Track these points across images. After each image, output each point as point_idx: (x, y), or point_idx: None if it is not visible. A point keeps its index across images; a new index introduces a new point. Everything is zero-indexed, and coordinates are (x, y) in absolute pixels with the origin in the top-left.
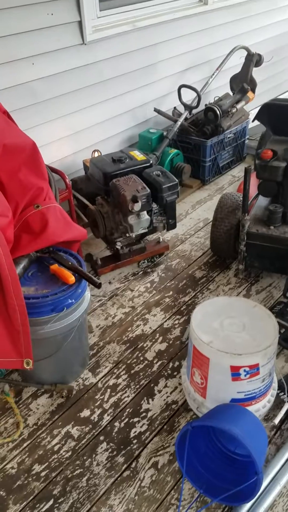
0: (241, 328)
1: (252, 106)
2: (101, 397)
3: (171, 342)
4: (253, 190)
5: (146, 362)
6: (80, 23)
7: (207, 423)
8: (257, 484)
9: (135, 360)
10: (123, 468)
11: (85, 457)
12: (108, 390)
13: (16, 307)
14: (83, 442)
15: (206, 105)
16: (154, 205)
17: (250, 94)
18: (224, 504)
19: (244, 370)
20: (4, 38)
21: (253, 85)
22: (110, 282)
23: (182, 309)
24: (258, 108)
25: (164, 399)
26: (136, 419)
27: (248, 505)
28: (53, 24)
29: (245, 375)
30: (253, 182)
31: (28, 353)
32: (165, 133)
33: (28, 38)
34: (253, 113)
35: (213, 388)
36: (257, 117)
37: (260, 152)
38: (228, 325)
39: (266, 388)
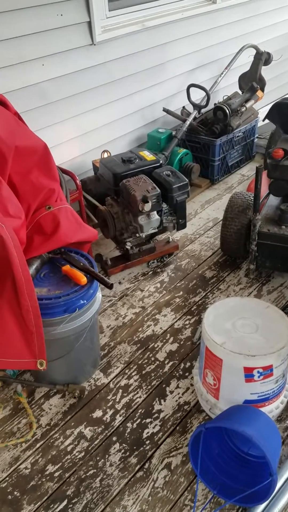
0: (254, 329)
1: (261, 104)
2: (113, 398)
3: (182, 342)
4: (263, 189)
5: (158, 362)
6: (89, 24)
7: (221, 424)
8: (271, 485)
9: (146, 360)
10: (136, 468)
11: (98, 458)
12: (120, 390)
13: (29, 308)
14: (96, 442)
15: (215, 104)
16: (164, 205)
17: (259, 92)
18: (238, 505)
19: (258, 372)
20: (14, 40)
21: (262, 84)
22: (120, 282)
23: (192, 309)
24: (267, 106)
25: (176, 400)
26: (148, 420)
27: (262, 506)
28: (63, 25)
29: (259, 377)
30: (264, 181)
31: (41, 354)
32: (174, 133)
33: (38, 39)
34: (262, 112)
35: (226, 389)
36: (267, 116)
37: (271, 151)
38: (240, 326)
39: (280, 389)
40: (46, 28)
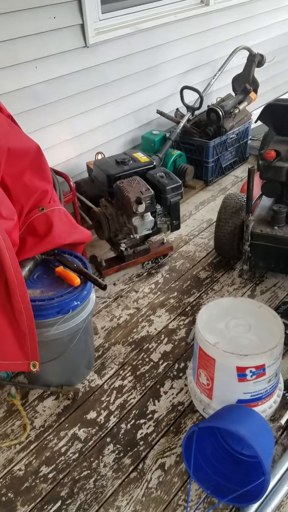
0: (247, 329)
1: (255, 106)
2: (107, 399)
3: (176, 343)
4: (256, 190)
5: (152, 363)
6: (82, 26)
7: (214, 424)
8: (264, 484)
9: (140, 361)
10: (130, 469)
11: (92, 459)
12: (114, 391)
13: (22, 309)
14: (89, 444)
15: (208, 106)
16: (158, 207)
17: (252, 94)
18: (231, 504)
19: (250, 371)
20: (8, 42)
21: (255, 86)
22: (114, 284)
23: (187, 310)
24: (261, 108)
25: (170, 401)
26: (142, 421)
27: (256, 505)
28: (56, 27)
29: (251, 376)
30: (257, 183)
31: (34, 356)
32: (168, 135)
33: (31, 42)
34: (255, 114)
35: (219, 389)
36: (260, 118)
37: (263, 153)
38: (233, 326)
39: (272, 388)
40: (39, 31)
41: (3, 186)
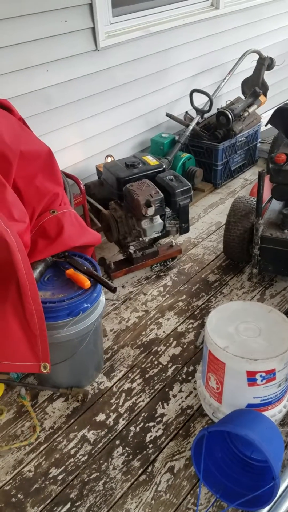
0: (257, 333)
1: (264, 109)
2: (116, 401)
3: (185, 346)
4: (266, 193)
5: (161, 366)
6: (93, 30)
7: (224, 428)
8: (274, 489)
9: (149, 364)
10: (139, 472)
11: (101, 461)
12: (123, 394)
13: (33, 311)
14: (99, 446)
15: (218, 109)
16: (167, 210)
17: (262, 97)
18: (240, 509)
19: (261, 376)
20: (19, 46)
21: (265, 89)
22: (123, 286)
23: (195, 313)
24: (270, 111)
25: (179, 404)
26: (151, 424)
27: (265, 510)
28: (67, 31)
29: (262, 381)
30: (266, 186)
31: (45, 357)
32: (177, 138)
33: (42, 45)
34: (264, 117)
35: (229, 393)
36: (270, 121)
37: (273, 156)
38: (243, 330)
39: (282, 393)
40: (51, 34)
41: (15, 189)
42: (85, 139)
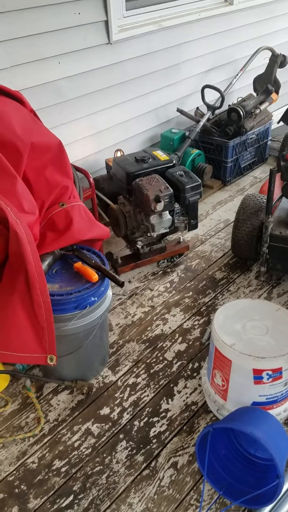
0: (264, 331)
1: (276, 107)
2: (121, 396)
3: (190, 343)
4: (276, 191)
5: (166, 362)
6: (106, 23)
7: (229, 425)
8: (278, 487)
9: (154, 359)
10: (143, 467)
11: (105, 455)
12: (128, 388)
13: (41, 303)
14: (103, 439)
15: (229, 105)
16: (176, 205)
17: (274, 95)
18: (243, 506)
19: (267, 374)
20: (32, 37)
21: (277, 86)
22: (130, 281)
23: (202, 310)
24: (282, 109)
25: (184, 400)
26: (155, 419)
27: (268, 508)
28: (80, 23)
29: (268, 379)
30: (277, 184)
31: (52, 349)
32: (187, 133)
33: (55, 37)
34: (276, 114)
35: (235, 390)
36: (282, 118)
37: (285, 154)
38: (250, 328)
39: None
40: (63, 26)
41: (25, 181)
42: (95, 132)
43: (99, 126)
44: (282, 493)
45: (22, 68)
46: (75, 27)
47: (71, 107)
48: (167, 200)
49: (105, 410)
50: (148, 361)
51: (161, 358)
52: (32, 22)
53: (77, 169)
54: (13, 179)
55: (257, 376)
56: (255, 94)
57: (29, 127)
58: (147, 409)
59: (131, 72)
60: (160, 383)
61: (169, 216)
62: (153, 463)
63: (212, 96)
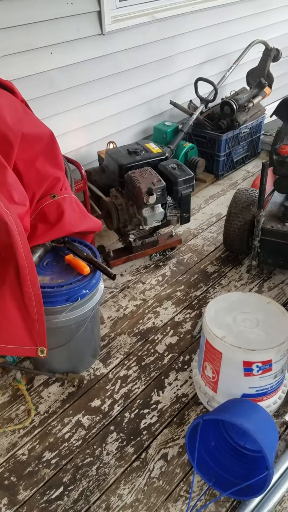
0: (254, 324)
1: (269, 101)
2: (112, 388)
3: (182, 335)
4: (268, 185)
5: (157, 354)
6: (99, 13)
7: (218, 416)
8: (267, 479)
9: (145, 352)
10: (133, 458)
11: (95, 446)
12: (119, 381)
13: (32, 295)
14: (93, 431)
15: (222, 99)
16: (169, 198)
17: (267, 89)
18: (233, 497)
19: (257, 366)
20: (24, 27)
21: (270, 80)
22: (122, 274)
23: (193, 303)
24: (275, 103)
25: (174, 392)
26: (146, 411)
27: (257, 499)
28: (73, 13)
29: (258, 371)
30: (269, 178)
31: (42, 342)
32: (180, 126)
33: (47, 27)
34: (269, 108)
35: (225, 382)
36: (275, 113)
37: (277, 148)
38: (241, 320)
39: (278, 384)
40: (56, 16)
41: (16, 171)
42: (87, 124)
43: (91, 118)
44: (271, 484)
45: (14, 58)
46: (67, 17)
47: (63, 98)
48: (159, 193)
49: (96, 402)
50: (139, 353)
51: (152, 350)
52: (25, 12)
53: (69, 160)
54: (4, 169)
55: (247, 368)
56: (248, 88)
57: (20, 118)
58: (137, 401)
59: (124, 64)
60: (151, 375)
61: (161, 209)
62: (143, 455)
63: (205, 89)
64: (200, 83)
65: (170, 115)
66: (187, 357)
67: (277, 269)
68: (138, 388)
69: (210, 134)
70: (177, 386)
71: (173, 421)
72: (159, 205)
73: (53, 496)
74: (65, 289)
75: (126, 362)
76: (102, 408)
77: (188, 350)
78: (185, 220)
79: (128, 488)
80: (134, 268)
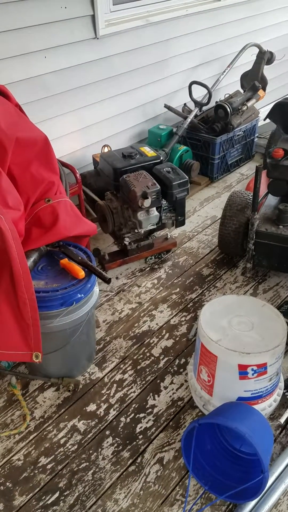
0: (249, 327)
1: (262, 104)
2: (107, 392)
3: (177, 339)
4: (262, 188)
5: (153, 358)
6: (93, 17)
7: (214, 420)
8: (262, 482)
9: (141, 356)
10: (129, 463)
11: (91, 451)
12: (114, 385)
13: (26, 300)
14: (89, 436)
15: (216, 102)
16: (164, 202)
17: (260, 92)
18: (229, 501)
19: (252, 369)
20: (18, 31)
21: (264, 83)
22: (117, 278)
23: (188, 306)
24: (268, 106)
25: (170, 396)
26: (142, 415)
27: (253, 503)
28: (66, 17)
29: (253, 374)
30: (263, 181)
31: (37, 347)
32: (174, 130)
33: (41, 31)
34: (263, 111)
35: (220, 386)
36: (269, 116)
37: (271, 151)
38: (236, 323)
39: (273, 387)
40: (50, 20)
41: (10, 176)
42: (82, 128)
43: (86, 121)
44: (266, 487)
45: (8, 62)
46: (61, 21)
47: (57, 102)
48: (154, 196)
49: (92, 407)
50: (135, 357)
51: (148, 354)
52: (18, 16)
53: (64, 164)
54: None
55: (242, 371)
56: (242, 91)
57: (14, 122)
58: (133, 405)
59: (118, 67)
60: (147, 379)
61: (156, 213)
62: (139, 459)
63: (199, 93)
64: (194, 86)
65: (165, 118)
66: (183, 360)
67: (272, 272)
68: (134, 392)
69: (204, 137)
70: (172, 389)
71: (169, 425)
72: (154, 208)
73: (49, 502)
74: (60, 294)
75: (121, 366)
76: (98, 412)
77: (183, 353)
78: (180, 223)
79: (124, 492)
80: (130, 271)
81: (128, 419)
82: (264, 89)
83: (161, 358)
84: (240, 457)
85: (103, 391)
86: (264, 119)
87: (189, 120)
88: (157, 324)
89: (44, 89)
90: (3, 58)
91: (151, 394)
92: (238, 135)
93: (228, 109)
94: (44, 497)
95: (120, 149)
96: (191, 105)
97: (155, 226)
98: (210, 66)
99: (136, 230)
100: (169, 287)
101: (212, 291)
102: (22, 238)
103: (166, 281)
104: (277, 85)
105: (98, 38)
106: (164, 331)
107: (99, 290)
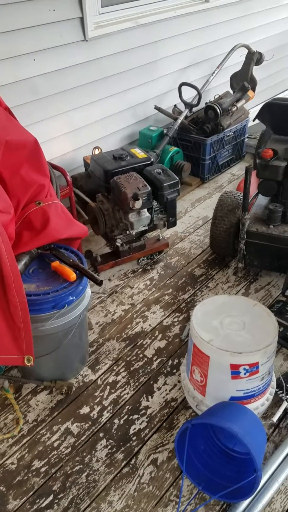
0: (241, 327)
1: (252, 104)
2: (101, 394)
3: (170, 339)
4: (252, 188)
5: (146, 359)
6: (82, 20)
7: (207, 421)
8: (256, 481)
9: (134, 357)
10: (123, 464)
11: (84, 454)
12: (108, 387)
13: (17, 304)
14: (82, 438)
15: (206, 103)
16: (155, 203)
17: (250, 92)
18: (222, 501)
19: (244, 369)
20: (6, 34)
21: (253, 84)
22: (109, 279)
23: (181, 306)
24: (258, 106)
25: (163, 397)
26: (135, 416)
27: (247, 502)
28: (55, 20)
29: (245, 374)
30: (253, 181)
31: (29, 350)
32: (165, 131)
33: (30, 34)
34: (253, 112)
35: (213, 386)
36: (258, 116)
37: (260, 152)
38: (228, 323)
39: (265, 386)
40: (38, 23)
41: (0, 179)
42: (72, 130)
43: (76, 124)
44: (260, 486)
45: None
46: (50, 24)
47: (47, 104)
48: (145, 198)
49: (85, 409)
50: (128, 359)
51: (141, 355)
52: (6, 18)
53: (54, 167)
54: None
55: (235, 371)
56: (232, 92)
57: (3, 125)
58: (127, 407)
59: (108, 69)
60: (140, 380)
61: (147, 214)
62: (133, 461)
63: (189, 94)
64: (184, 87)
65: (155, 119)
66: (176, 361)
67: (263, 271)
68: (127, 393)
69: (195, 138)
70: (166, 390)
71: (162, 426)
72: (145, 210)
73: (43, 505)
74: (52, 296)
75: (114, 368)
76: (91, 415)
77: (176, 354)
78: (171, 224)
79: (118, 494)
80: (122, 273)
81: (121, 421)
82: (253, 90)
83: (154, 359)
84: (233, 456)
85: (96, 393)
86: (254, 120)
87: (179, 121)
88: (150, 325)
89: (34, 92)
90: None
91: (144, 395)
92: (228, 135)
93: (218, 110)
94: (38, 500)
95: (111, 151)
96: (181, 106)
97: (146, 227)
98: (199, 67)
99: (127, 232)
100: (162, 288)
101: (205, 291)
102: (12, 241)
103: (159, 282)
104: (267, 85)
105: (87, 41)
106: (157, 332)
107: (92, 292)
